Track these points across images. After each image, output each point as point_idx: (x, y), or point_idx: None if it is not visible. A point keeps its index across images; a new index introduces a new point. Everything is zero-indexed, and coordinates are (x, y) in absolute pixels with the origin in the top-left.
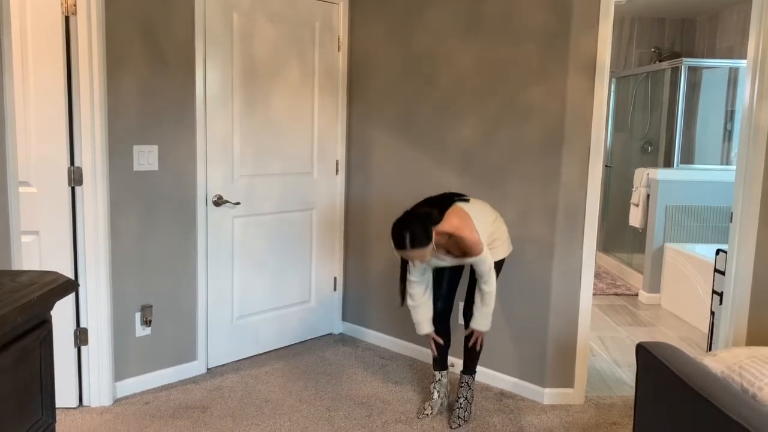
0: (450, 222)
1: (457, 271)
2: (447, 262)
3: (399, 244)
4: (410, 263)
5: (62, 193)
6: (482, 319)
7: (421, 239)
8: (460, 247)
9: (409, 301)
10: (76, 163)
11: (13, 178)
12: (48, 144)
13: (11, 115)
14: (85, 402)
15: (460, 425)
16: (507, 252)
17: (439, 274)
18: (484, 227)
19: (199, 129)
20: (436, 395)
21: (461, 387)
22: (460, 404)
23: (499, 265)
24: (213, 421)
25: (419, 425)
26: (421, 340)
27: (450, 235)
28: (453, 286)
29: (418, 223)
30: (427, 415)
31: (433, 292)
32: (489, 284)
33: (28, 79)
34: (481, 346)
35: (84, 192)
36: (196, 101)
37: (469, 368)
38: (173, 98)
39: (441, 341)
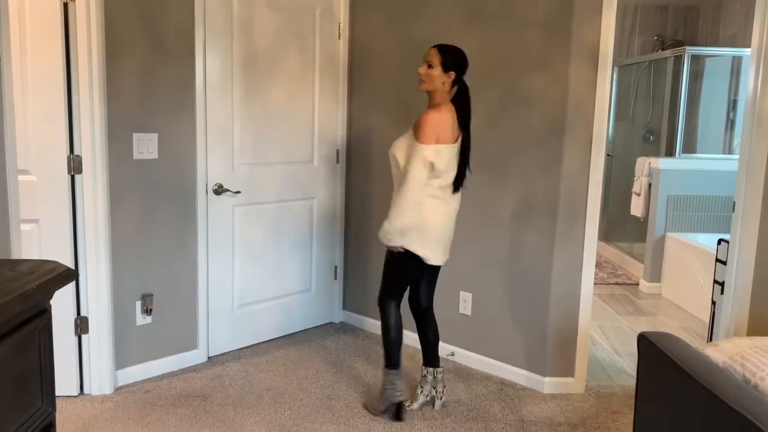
0: (439, 108)
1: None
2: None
3: (436, 44)
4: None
5: (62, 182)
6: (385, 223)
7: (449, 52)
8: (417, 123)
9: None
10: (76, 152)
11: (12, 167)
12: (47, 132)
13: (10, 102)
14: (86, 390)
15: (443, 406)
16: (432, 257)
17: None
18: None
19: (199, 117)
20: (418, 390)
21: (428, 378)
22: (438, 391)
23: (408, 262)
24: (214, 410)
25: (419, 413)
26: None
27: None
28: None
29: (459, 53)
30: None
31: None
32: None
33: (27, 67)
34: (437, 334)
35: (84, 180)
36: (195, 89)
37: (430, 359)
38: (173, 86)
39: None
